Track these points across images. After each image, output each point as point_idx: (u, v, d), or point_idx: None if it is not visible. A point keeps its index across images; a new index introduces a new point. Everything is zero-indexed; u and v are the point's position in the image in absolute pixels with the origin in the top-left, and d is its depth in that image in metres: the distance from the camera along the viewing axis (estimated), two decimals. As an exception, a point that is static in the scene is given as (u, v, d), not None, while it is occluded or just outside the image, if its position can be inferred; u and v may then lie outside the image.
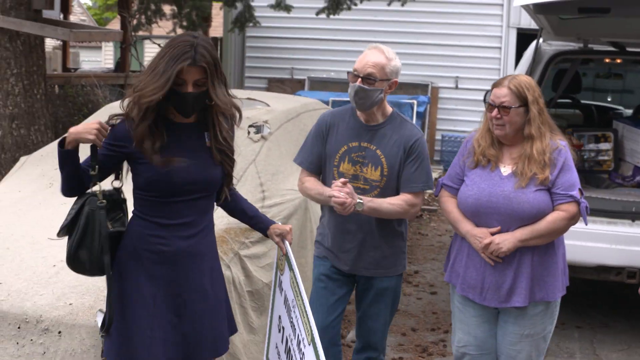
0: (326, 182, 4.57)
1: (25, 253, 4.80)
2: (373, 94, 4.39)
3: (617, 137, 7.50)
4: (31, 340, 4.20)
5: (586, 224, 4.27)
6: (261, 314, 5.19)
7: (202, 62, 3.45)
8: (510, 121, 4.15)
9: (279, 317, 4.20)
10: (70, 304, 4.28)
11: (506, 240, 4.09)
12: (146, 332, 3.59)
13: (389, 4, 12.69)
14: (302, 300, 3.76)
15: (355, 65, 4.43)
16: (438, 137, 16.17)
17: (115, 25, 35.18)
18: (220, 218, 5.12)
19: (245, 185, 5.62)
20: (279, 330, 4.18)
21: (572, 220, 4.13)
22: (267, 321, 4.48)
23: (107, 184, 3.71)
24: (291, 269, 3.97)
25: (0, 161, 8.94)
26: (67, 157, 3.51)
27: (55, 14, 14.37)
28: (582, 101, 10.21)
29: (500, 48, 15.88)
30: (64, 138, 3.49)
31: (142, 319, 3.60)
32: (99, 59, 37.45)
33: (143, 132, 3.49)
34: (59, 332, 4.18)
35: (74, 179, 3.57)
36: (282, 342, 4.11)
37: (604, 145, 7.41)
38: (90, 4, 43.11)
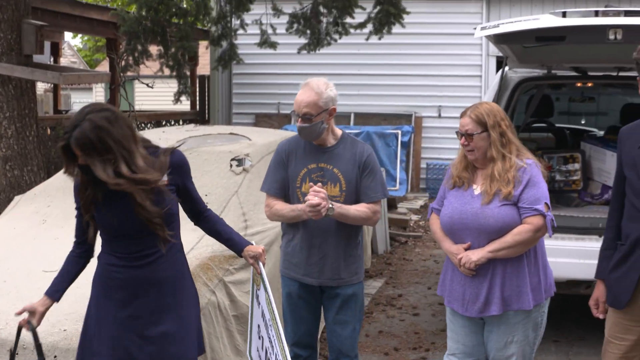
0: (291, 203, 4.95)
1: (22, 284, 5.09)
2: (315, 128, 4.83)
3: (585, 157, 7.84)
4: (32, 367, 4.48)
5: (550, 236, 4.55)
6: (247, 336, 5.48)
7: (74, 145, 3.68)
8: (476, 146, 4.51)
9: (258, 326, 4.51)
10: (64, 330, 4.58)
11: (476, 253, 4.43)
12: (109, 350, 3.96)
13: (367, 39, 13.04)
14: (277, 323, 4.09)
15: (294, 106, 4.87)
16: (423, 165, 16.50)
17: (104, 66, 35.59)
18: (205, 247, 5.46)
19: (228, 215, 5.93)
20: (259, 338, 4.48)
21: (538, 232, 4.43)
22: (248, 323, 4.78)
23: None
24: (266, 290, 4.28)
25: (-5, 202, 9.22)
26: None
27: (45, 58, 14.76)
28: (557, 124, 10.56)
29: (480, 76, 16.28)
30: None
31: (106, 339, 3.98)
32: (90, 100, 37.81)
33: (81, 193, 3.93)
34: (55, 356, 4.47)
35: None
36: (262, 348, 4.43)
37: (573, 166, 7.75)
38: (80, 46, 43.51)
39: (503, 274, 4.47)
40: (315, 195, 4.63)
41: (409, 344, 7.27)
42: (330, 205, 4.68)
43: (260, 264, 4.38)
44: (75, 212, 4.11)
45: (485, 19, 16.10)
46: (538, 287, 4.55)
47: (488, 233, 4.44)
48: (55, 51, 17.37)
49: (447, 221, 4.61)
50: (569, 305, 8.16)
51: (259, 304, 4.48)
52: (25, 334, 4.51)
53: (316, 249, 4.92)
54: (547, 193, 4.52)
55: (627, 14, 6.03)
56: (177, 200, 4.10)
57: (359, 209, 4.85)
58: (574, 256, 6.50)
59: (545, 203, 4.48)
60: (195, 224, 4.41)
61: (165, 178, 3.97)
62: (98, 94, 37.18)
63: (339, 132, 5.04)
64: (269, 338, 4.25)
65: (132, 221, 3.89)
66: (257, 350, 4.55)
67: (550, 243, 6.56)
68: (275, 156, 5.10)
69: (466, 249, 4.50)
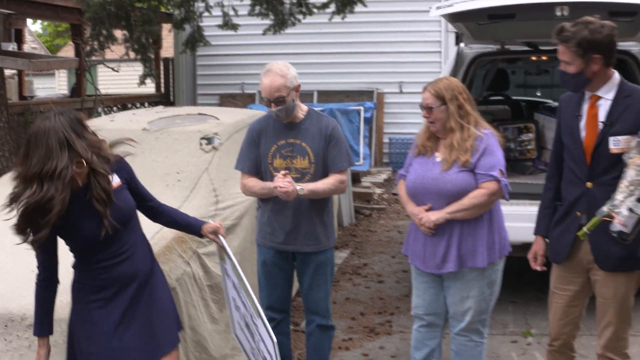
0: (264, 179, 5.32)
1: (6, 262, 5.35)
2: (289, 108, 5.20)
3: (539, 127, 8.22)
4: (17, 335, 4.74)
5: (507, 199, 4.91)
6: (222, 305, 5.79)
7: None
8: (436, 118, 4.87)
9: (233, 299, 4.83)
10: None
11: (435, 213, 4.81)
12: (102, 348, 4.21)
13: (330, 19, 13.30)
14: (244, 283, 4.42)
15: (263, 93, 5.19)
16: (386, 140, 16.83)
17: (67, 51, 35.49)
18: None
19: (199, 191, 6.24)
20: (237, 309, 4.80)
21: (493, 196, 4.80)
22: (226, 303, 5.09)
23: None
24: (230, 258, 4.60)
25: (-31, 187, 9.43)
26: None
27: (9, 44, 14.89)
28: (514, 97, 10.95)
29: (440, 52, 16.60)
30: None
31: (101, 336, 4.21)
32: (53, 86, 37.64)
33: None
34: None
35: None
36: (241, 318, 4.75)
37: (527, 136, 8.13)
38: (40, 31, 43.27)
39: (460, 233, 4.83)
40: (283, 182, 4.99)
41: (374, 309, 7.64)
42: (300, 187, 5.04)
43: (220, 236, 4.66)
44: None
45: (444, -4, 16.41)
46: (492, 247, 4.91)
47: (447, 196, 4.80)
48: (19, 38, 17.48)
49: (411, 186, 4.99)
50: (525, 268, 8.54)
51: (228, 276, 4.79)
52: (14, 308, 4.82)
53: (289, 218, 5.28)
54: (502, 160, 4.87)
55: None
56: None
57: (327, 182, 5.23)
58: (528, 220, 6.74)
59: (500, 170, 4.83)
60: (154, 221, 4.59)
61: (117, 180, 4.20)
62: (61, 80, 37.05)
63: (305, 107, 5.40)
64: (242, 302, 4.58)
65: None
66: (238, 323, 4.87)
67: (506, 209, 6.94)
68: (247, 136, 5.43)
69: (427, 210, 4.87)
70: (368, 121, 15.91)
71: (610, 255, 4.47)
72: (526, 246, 6.92)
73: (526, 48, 8.18)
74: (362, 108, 15.72)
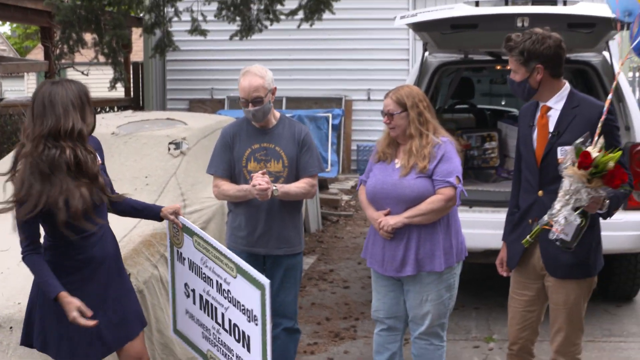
0: (237, 182, 5.42)
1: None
2: (265, 109, 5.34)
3: (502, 136, 8.38)
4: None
5: (458, 204, 5.03)
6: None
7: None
8: (396, 124, 5.01)
9: (185, 285, 4.93)
10: (19, 303, 4.91)
11: (394, 218, 4.94)
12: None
13: (298, 26, 13.43)
14: (216, 248, 4.58)
15: (241, 94, 5.31)
16: (354, 147, 16.97)
17: (37, 53, 35.33)
18: (147, 225, 5.83)
19: (167, 195, 6.33)
20: (187, 295, 4.92)
21: (449, 201, 4.92)
22: (169, 300, 5.17)
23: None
24: (193, 234, 4.71)
25: (-64, 189, 9.43)
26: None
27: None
28: (479, 105, 11.12)
29: (408, 60, 16.77)
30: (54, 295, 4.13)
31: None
32: (22, 88, 37.50)
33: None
34: (11, 328, 4.81)
35: None
36: (193, 303, 4.88)
37: (490, 144, 8.28)
38: (9, 33, 43.10)
39: (418, 238, 4.96)
40: (261, 181, 5.10)
41: (339, 314, 7.76)
42: (275, 187, 5.16)
43: (181, 217, 4.77)
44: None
45: (412, 5, 16.58)
46: (450, 251, 5.04)
47: (405, 202, 4.93)
48: (-12, 40, 17.43)
49: (371, 191, 5.11)
50: (488, 274, 8.71)
51: (182, 259, 4.89)
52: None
53: (262, 222, 5.39)
54: (459, 167, 5.01)
55: (535, 2, 6.54)
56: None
57: (299, 186, 5.37)
58: (490, 227, 6.84)
59: (457, 176, 4.97)
60: (112, 209, 4.64)
61: (99, 158, 4.37)
62: (30, 82, 36.92)
63: (277, 114, 5.54)
64: (203, 277, 4.73)
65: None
66: (186, 312, 4.99)
67: (469, 216, 7.12)
68: (220, 140, 5.53)
69: (386, 215, 4.99)
70: (336, 128, 16.05)
71: (560, 262, 4.61)
72: (488, 253, 7.09)
73: (489, 57, 8.34)
74: (330, 115, 15.86)
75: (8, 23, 36.42)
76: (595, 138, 4.30)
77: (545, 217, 4.44)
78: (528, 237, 4.63)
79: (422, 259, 4.97)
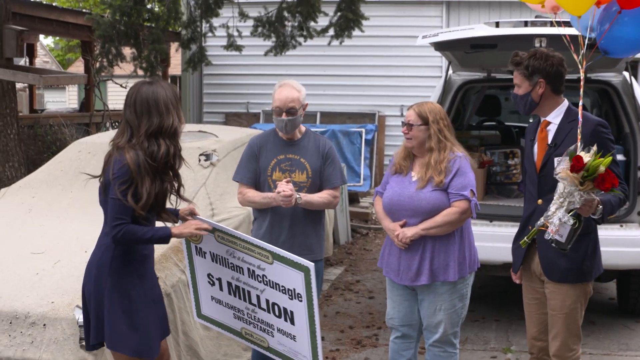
0: (262, 191, 5.66)
1: (12, 265, 5.71)
2: (297, 121, 5.60)
3: (524, 153, 8.55)
4: (21, 332, 5.10)
5: (474, 217, 5.28)
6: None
7: None
8: (414, 135, 5.25)
9: (208, 275, 5.14)
10: (52, 302, 5.21)
11: (411, 229, 5.16)
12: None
13: (328, 44, 13.70)
14: (245, 240, 4.84)
15: (277, 103, 5.57)
16: (386, 162, 17.10)
17: (78, 66, 35.88)
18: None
19: (197, 205, 6.59)
20: (212, 284, 5.14)
21: (464, 214, 5.16)
22: (190, 289, 5.36)
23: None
24: (214, 231, 4.93)
25: (-22, 196, 9.80)
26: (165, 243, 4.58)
27: (20, 59, 15.31)
28: (506, 123, 11.30)
29: (440, 76, 16.87)
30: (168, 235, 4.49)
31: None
32: (63, 100, 38.08)
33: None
34: (44, 325, 5.09)
35: None
36: (220, 289, 5.11)
37: (513, 161, 8.47)
38: (52, 45, 43.73)
39: (432, 249, 5.18)
40: (286, 188, 5.36)
41: (363, 323, 7.98)
42: (298, 196, 5.41)
43: (198, 216, 4.95)
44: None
45: (445, 23, 16.76)
46: (463, 262, 5.25)
47: (421, 214, 5.16)
48: (31, 52, 17.88)
49: (388, 202, 5.34)
50: (509, 287, 8.89)
51: (203, 253, 5.09)
52: (18, 307, 5.18)
53: (286, 229, 5.62)
54: (473, 182, 5.24)
55: (553, 24, 6.73)
56: None
57: (321, 196, 5.61)
58: (510, 241, 7.01)
59: (471, 190, 5.19)
60: None
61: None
62: (71, 94, 37.51)
63: (303, 128, 5.80)
64: (232, 267, 4.96)
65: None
66: (212, 299, 5.22)
67: (490, 230, 7.30)
68: (247, 150, 5.79)
69: (402, 226, 5.21)
70: (369, 143, 16.24)
71: (556, 266, 4.88)
72: (508, 266, 7.26)
73: (511, 76, 8.50)
74: (363, 130, 16.04)
75: (49, 36, 37.02)
76: (579, 146, 4.58)
77: (541, 219, 4.71)
78: (525, 237, 4.91)
79: (436, 269, 5.19)
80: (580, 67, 4.81)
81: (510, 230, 7.20)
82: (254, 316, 5.03)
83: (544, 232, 4.71)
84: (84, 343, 4.97)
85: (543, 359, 5.22)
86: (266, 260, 4.79)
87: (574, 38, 4.92)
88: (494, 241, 7.19)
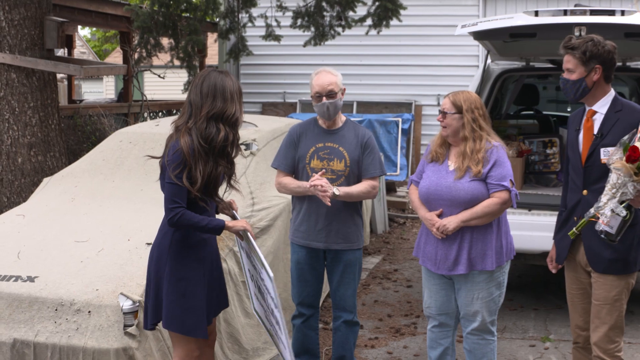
0: (299, 178, 5.74)
1: (57, 253, 5.81)
2: (338, 104, 5.68)
3: (563, 142, 8.53)
4: (67, 319, 5.20)
5: (514, 207, 5.28)
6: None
7: None
8: (448, 124, 5.27)
9: (248, 270, 5.25)
10: (97, 290, 5.30)
11: (452, 221, 5.16)
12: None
13: (366, 34, 13.70)
14: (252, 245, 4.87)
15: (316, 89, 5.65)
16: (422, 151, 17.13)
17: (114, 56, 36.18)
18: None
19: (237, 193, 6.64)
20: (252, 279, 5.24)
21: (504, 205, 5.17)
22: (247, 281, 5.49)
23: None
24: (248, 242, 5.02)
25: (20, 185, 9.93)
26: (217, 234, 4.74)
27: (59, 50, 15.48)
28: (544, 112, 11.27)
29: (477, 66, 16.84)
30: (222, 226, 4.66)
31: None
32: (100, 90, 38.40)
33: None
34: (89, 312, 5.18)
35: None
36: (255, 286, 5.19)
37: (551, 150, 8.45)
38: (89, 36, 44.10)
39: (470, 238, 5.20)
40: (320, 181, 5.44)
41: (401, 311, 8.02)
42: (336, 189, 5.48)
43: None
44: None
45: (482, 12, 16.70)
46: (500, 251, 5.26)
47: (459, 204, 5.17)
48: (69, 43, 18.03)
49: (425, 192, 5.34)
50: (548, 277, 8.89)
51: (244, 250, 5.21)
52: (64, 294, 5.27)
53: (322, 217, 5.70)
54: (511, 171, 5.25)
55: (593, 12, 6.72)
56: None
57: (360, 187, 5.67)
58: (549, 230, 6.91)
59: (510, 180, 5.20)
60: None
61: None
62: (108, 84, 37.80)
63: (343, 117, 5.87)
64: (254, 266, 5.02)
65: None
66: (255, 295, 5.29)
67: (528, 219, 7.32)
68: (287, 137, 5.87)
69: (438, 215, 5.23)
70: (406, 132, 16.21)
71: (602, 257, 4.86)
72: (545, 254, 7.26)
73: (550, 65, 8.50)
74: (400, 119, 16.02)
75: (88, 27, 37.33)
76: (638, 135, 4.54)
77: (592, 210, 4.69)
78: (574, 229, 4.87)
79: (474, 258, 5.21)
80: None
81: (549, 219, 7.24)
82: (270, 320, 5.10)
83: (593, 223, 4.71)
84: (128, 330, 5.08)
85: (589, 348, 5.21)
86: (260, 264, 4.84)
87: (614, 26, 4.89)
88: (532, 230, 7.21)
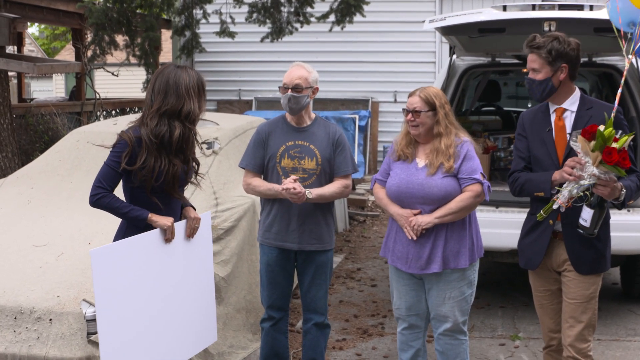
0: (269, 179, 5.58)
1: (14, 258, 5.60)
2: (302, 99, 5.50)
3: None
4: (26, 327, 5.00)
5: (487, 199, 5.16)
6: (219, 303, 6.03)
7: None
8: (422, 122, 5.11)
9: None
10: (58, 296, 5.10)
11: (426, 220, 5.02)
12: None
13: (330, 30, 13.56)
14: None
15: (284, 80, 5.53)
16: (380, 148, 17.05)
17: (65, 54, 35.68)
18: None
19: (200, 194, 6.47)
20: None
21: (478, 197, 5.05)
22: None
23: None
24: None
25: (-28, 187, 9.66)
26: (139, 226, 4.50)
27: (9, 47, 15.15)
28: (505, 108, 11.23)
29: (434, 62, 16.86)
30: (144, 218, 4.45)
31: None
32: (50, 89, 37.86)
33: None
34: (50, 320, 4.99)
35: None
36: None
37: (516, 146, 8.38)
38: (37, 34, 43.48)
39: (445, 236, 5.07)
40: (293, 185, 5.28)
41: (367, 312, 7.89)
42: (308, 192, 5.34)
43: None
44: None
45: (439, 9, 16.67)
46: (472, 248, 5.16)
47: (432, 201, 5.04)
48: (19, 41, 17.69)
49: (395, 190, 5.18)
50: (514, 274, 8.84)
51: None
52: (23, 302, 5.06)
53: (295, 217, 5.53)
54: (480, 165, 5.15)
55: (561, 7, 6.64)
56: None
57: (333, 187, 5.54)
58: (516, 227, 6.93)
59: (481, 173, 5.10)
60: None
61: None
62: (58, 83, 37.28)
63: (313, 115, 5.72)
64: None
65: None
66: None
67: (496, 216, 7.23)
68: (255, 136, 5.69)
69: (416, 214, 5.08)
70: (363, 129, 16.13)
71: (586, 259, 4.78)
72: (514, 252, 7.21)
73: (516, 61, 8.44)
74: (357, 116, 15.93)
75: (36, 24, 36.76)
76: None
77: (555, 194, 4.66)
78: (542, 211, 4.76)
79: (447, 256, 5.08)
80: (625, 56, 4.75)
81: (516, 216, 7.15)
82: None
83: (574, 232, 4.68)
84: (92, 338, 4.89)
85: (561, 350, 5.11)
86: None
87: (583, 21, 4.78)
88: (500, 227, 7.11)
